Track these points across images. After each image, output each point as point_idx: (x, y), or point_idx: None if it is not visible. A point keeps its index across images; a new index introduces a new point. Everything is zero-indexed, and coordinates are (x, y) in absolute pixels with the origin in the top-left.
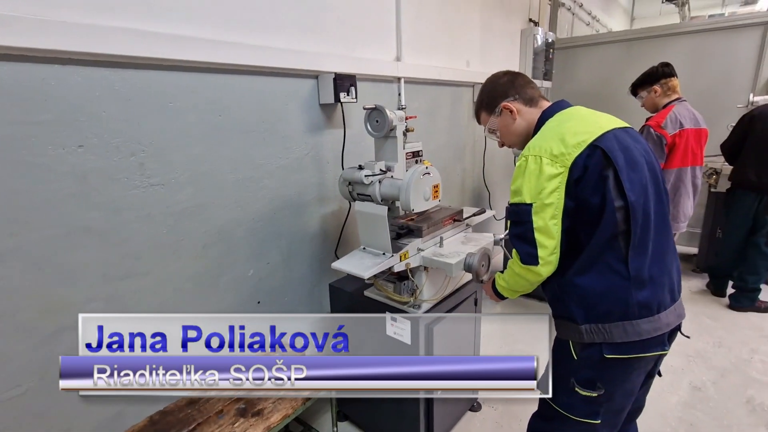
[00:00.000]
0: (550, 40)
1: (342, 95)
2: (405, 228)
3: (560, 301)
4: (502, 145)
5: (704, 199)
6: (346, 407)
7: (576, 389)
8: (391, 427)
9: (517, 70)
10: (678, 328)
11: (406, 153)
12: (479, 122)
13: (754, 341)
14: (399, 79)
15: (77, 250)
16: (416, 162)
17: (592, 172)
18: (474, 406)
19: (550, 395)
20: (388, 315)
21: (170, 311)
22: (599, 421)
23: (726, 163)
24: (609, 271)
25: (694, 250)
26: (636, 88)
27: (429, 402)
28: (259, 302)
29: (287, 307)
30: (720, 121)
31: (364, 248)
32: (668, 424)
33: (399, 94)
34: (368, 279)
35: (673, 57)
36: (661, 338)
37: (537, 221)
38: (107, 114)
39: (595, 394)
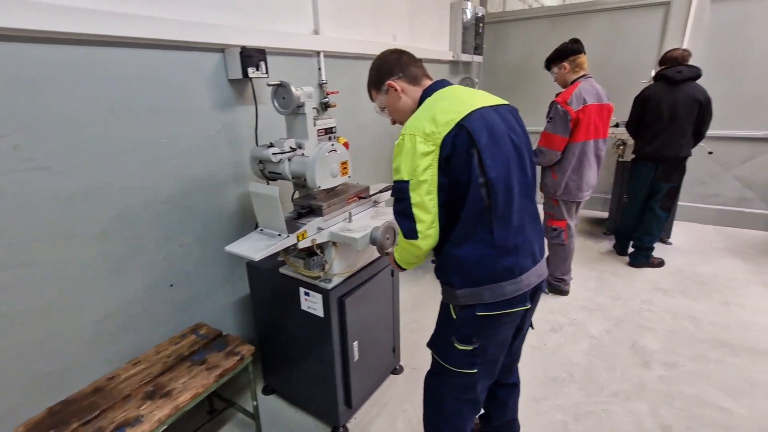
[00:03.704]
0: (480, 15)
1: (251, 70)
2: (307, 207)
3: (442, 269)
4: (394, 122)
5: (613, 169)
6: (271, 380)
7: (455, 345)
8: (313, 396)
9: (446, 44)
10: (540, 287)
11: (318, 130)
12: (372, 100)
13: (646, 293)
14: (318, 53)
15: None
16: (330, 139)
17: (460, 150)
18: (396, 369)
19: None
20: (301, 290)
21: (71, 299)
22: (476, 371)
23: None
24: (480, 242)
25: (605, 215)
26: (549, 64)
27: (345, 370)
28: (172, 285)
29: (203, 289)
30: (632, 94)
31: (261, 229)
32: (566, 370)
33: (319, 69)
34: (259, 259)
35: (593, 33)
36: (523, 296)
37: (414, 197)
38: None
39: (470, 348)
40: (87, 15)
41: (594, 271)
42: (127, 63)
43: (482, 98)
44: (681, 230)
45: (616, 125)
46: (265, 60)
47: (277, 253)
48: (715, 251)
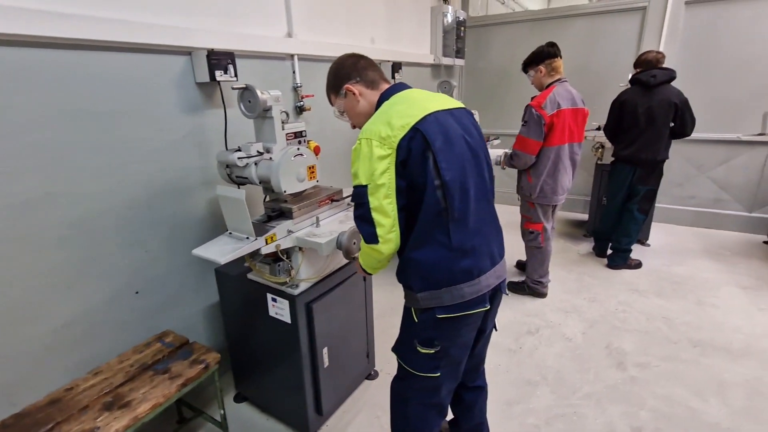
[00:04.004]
0: (461, 18)
1: (218, 73)
2: (277, 210)
3: (402, 273)
4: (353, 126)
5: (593, 171)
6: (243, 388)
7: (418, 348)
8: (283, 403)
9: (427, 48)
10: (499, 288)
11: (287, 134)
12: (331, 104)
13: (622, 294)
14: (292, 56)
15: None
16: (300, 143)
17: (415, 153)
18: (371, 374)
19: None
20: (268, 296)
21: (26, 309)
22: (439, 374)
23: None
24: (438, 245)
25: (586, 217)
26: (526, 67)
27: (315, 376)
28: (137, 292)
29: (172, 296)
30: (611, 97)
31: (230, 233)
32: (540, 373)
33: (293, 72)
34: (224, 262)
35: (572, 37)
36: (482, 298)
37: (373, 201)
38: None
39: (433, 351)
40: (36, 17)
41: (572, 273)
42: (82, 66)
43: (438, 102)
44: (659, 232)
45: (599, 128)
46: (233, 63)
47: (244, 259)
48: (691, 252)
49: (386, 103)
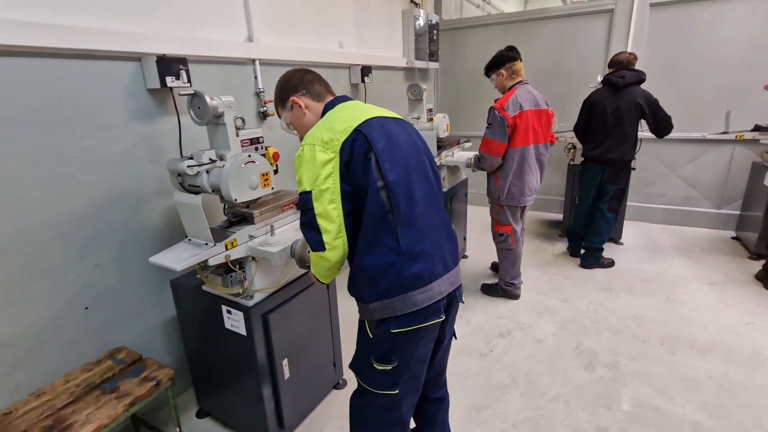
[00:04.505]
0: (434, 22)
1: (169, 80)
2: (238, 215)
3: (353, 283)
4: (301, 138)
5: (566, 171)
6: (205, 403)
7: (374, 365)
8: (244, 418)
9: (399, 51)
10: (454, 296)
11: (243, 140)
12: (279, 116)
13: (594, 294)
14: (254, 61)
15: None
16: (256, 149)
17: (358, 155)
18: (339, 383)
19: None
20: (223, 308)
21: None
22: (398, 391)
23: None
24: (386, 249)
25: (561, 217)
26: (488, 71)
27: (275, 389)
28: (87, 308)
29: (126, 311)
30: (582, 98)
31: (189, 239)
32: (510, 376)
33: (255, 77)
34: (181, 269)
35: (543, 39)
36: (437, 307)
37: (317, 207)
38: None
39: (390, 367)
40: None
41: (546, 273)
42: (19, 73)
43: (381, 111)
44: (632, 230)
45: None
46: (186, 69)
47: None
48: (662, 250)
49: (329, 112)
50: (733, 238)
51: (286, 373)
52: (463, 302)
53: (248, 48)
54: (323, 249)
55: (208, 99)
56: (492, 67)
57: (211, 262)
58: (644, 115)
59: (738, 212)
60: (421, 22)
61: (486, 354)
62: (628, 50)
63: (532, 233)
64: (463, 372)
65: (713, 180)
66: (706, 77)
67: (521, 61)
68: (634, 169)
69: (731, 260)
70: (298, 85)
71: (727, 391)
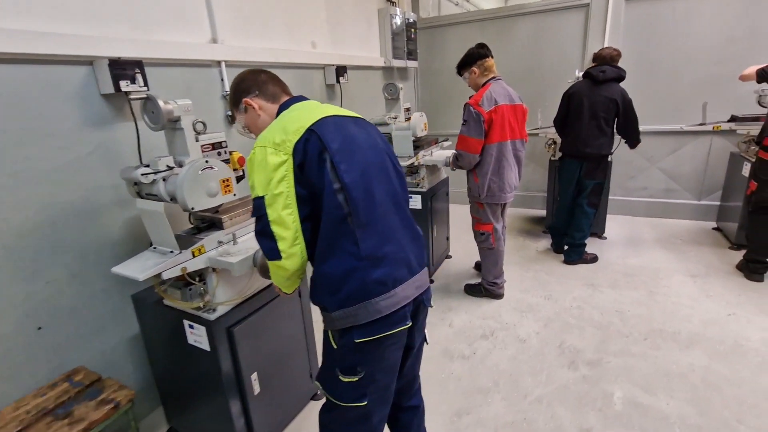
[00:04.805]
0: (411, 20)
1: (124, 83)
2: (207, 221)
3: (314, 291)
4: None
5: (547, 167)
6: (175, 422)
7: (340, 378)
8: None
9: (376, 50)
10: (422, 300)
11: (203, 145)
12: (236, 120)
13: (577, 290)
14: (219, 63)
15: None
16: (219, 154)
17: (311, 156)
18: (317, 395)
19: (322, 387)
20: (185, 323)
21: None
22: (366, 402)
23: None
24: (346, 254)
25: (545, 213)
26: (460, 70)
27: (244, 405)
28: (40, 328)
29: (85, 329)
30: (561, 93)
31: (154, 247)
32: (492, 378)
33: (222, 80)
34: (144, 279)
35: (521, 35)
36: (402, 314)
37: (271, 213)
38: None
39: (356, 379)
40: None
41: (529, 271)
42: None
43: (338, 110)
44: (615, 224)
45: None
46: (142, 72)
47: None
48: (645, 243)
49: (283, 112)
50: (714, 228)
51: (256, 388)
52: (431, 306)
53: (212, 50)
54: (279, 257)
55: (161, 103)
56: (464, 66)
57: (166, 276)
58: (618, 113)
59: (718, 203)
60: (397, 20)
61: (468, 357)
62: (606, 44)
63: (515, 230)
64: (444, 376)
65: (693, 171)
66: (683, 70)
67: (492, 57)
68: (610, 161)
69: (713, 251)
70: (251, 86)
71: (711, 384)
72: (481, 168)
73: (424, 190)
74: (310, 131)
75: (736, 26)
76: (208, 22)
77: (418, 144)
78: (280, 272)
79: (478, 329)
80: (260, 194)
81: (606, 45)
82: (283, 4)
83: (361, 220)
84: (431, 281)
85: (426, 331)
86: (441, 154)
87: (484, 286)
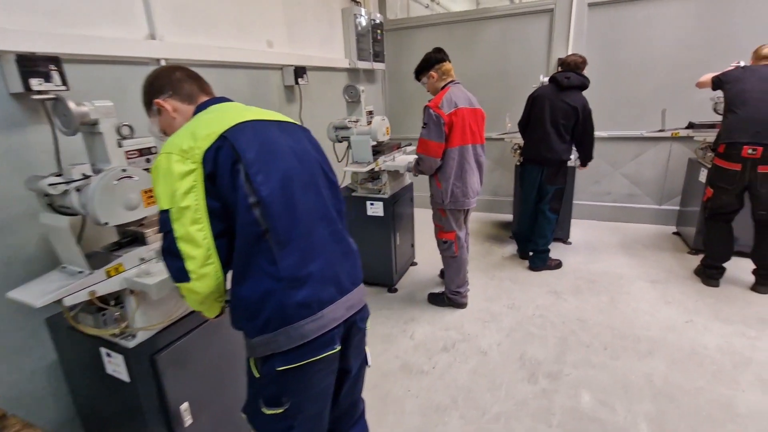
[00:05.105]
0: (377, 21)
1: (35, 82)
2: (130, 235)
3: (233, 316)
4: None
5: (514, 172)
6: None
7: (263, 410)
8: None
9: (341, 51)
10: (355, 321)
11: (129, 151)
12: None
13: (541, 298)
14: (158, 61)
15: None
16: (148, 161)
17: (223, 166)
18: None
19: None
20: (102, 350)
21: None
22: None
23: None
24: (263, 275)
25: (511, 217)
26: (418, 75)
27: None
28: None
29: None
30: (525, 98)
31: (64, 266)
32: (450, 395)
33: None
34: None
35: (488, 39)
36: (330, 336)
37: (178, 229)
38: None
39: (281, 411)
40: None
41: (495, 278)
42: None
43: (262, 113)
44: (580, 228)
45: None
46: (59, 69)
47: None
48: (608, 248)
49: (197, 115)
50: (674, 233)
51: (188, 419)
52: (365, 327)
53: (150, 46)
54: (187, 279)
55: (72, 105)
56: (422, 70)
57: (71, 301)
58: (577, 122)
59: (678, 208)
60: (363, 21)
61: (428, 371)
62: (570, 50)
63: (482, 235)
64: (401, 394)
65: (654, 177)
66: (644, 76)
67: (450, 62)
68: (575, 166)
69: (672, 256)
70: (165, 86)
71: (668, 395)
72: (444, 173)
73: (386, 196)
74: (223, 138)
75: (693, 33)
76: (145, 15)
77: (379, 149)
78: (191, 296)
79: (440, 341)
80: (165, 207)
81: (570, 50)
82: (234, 0)
83: (280, 237)
84: (394, 290)
85: (368, 350)
86: (404, 159)
87: (447, 295)
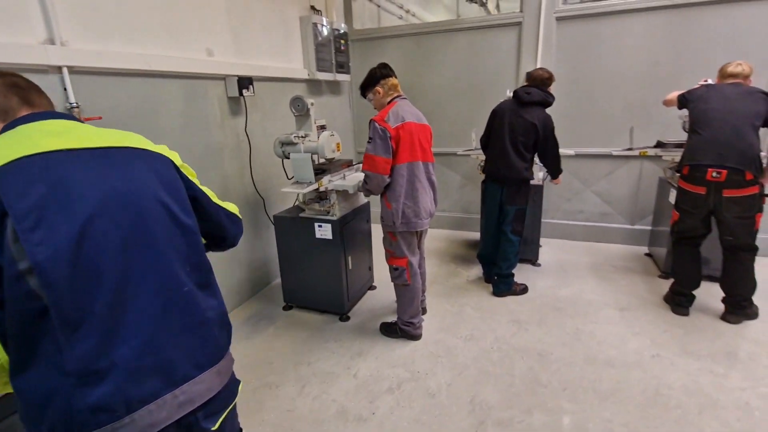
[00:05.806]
0: (341, 31)
1: None
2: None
3: (19, 411)
4: None
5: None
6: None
7: None
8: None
9: (299, 61)
10: (195, 421)
11: None
12: None
13: (502, 328)
14: (60, 68)
15: None
16: None
17: None
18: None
19: None
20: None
21: None
22: None
23: None
24: (46, 367)
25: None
26: (364, 91)
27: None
28: None
29: None
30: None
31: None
32: None
33: (65, 90)
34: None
35: (454, 51)
36: None
37: None
38: None
39: None
40: None
41: (455, 305)
42: None
43: (79, 139)
44: (551, 248)
45: None
46: None
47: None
48: (578, 270)
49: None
50: (646, 254)
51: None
52: (214, 428)
53: (47, 52)
54: None
55: None
56: (367, 86)
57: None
58: (537, 140)
59: (650, 227)
60: (324, 30)
61: (366, 418)
62: (538, 63)
63: (449, 255)
64: None
65: (626, 195)
66: (613, 92)
67: (396, 77)
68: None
69: (642, 280)
70: None
71: None
72: (393, 191)
73: (334, 218)
74: None
75: (661, 50)
76: (42, 16)
77: (326, 167)
78: None
79: (385, 380)
80: None
81: (539, 64)
82: (164, 3)
83: (66, 315)
84: (346, 318)
85: None
86: (355, 177)
87: (400, 326)
